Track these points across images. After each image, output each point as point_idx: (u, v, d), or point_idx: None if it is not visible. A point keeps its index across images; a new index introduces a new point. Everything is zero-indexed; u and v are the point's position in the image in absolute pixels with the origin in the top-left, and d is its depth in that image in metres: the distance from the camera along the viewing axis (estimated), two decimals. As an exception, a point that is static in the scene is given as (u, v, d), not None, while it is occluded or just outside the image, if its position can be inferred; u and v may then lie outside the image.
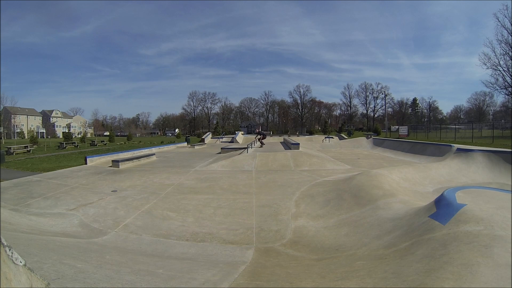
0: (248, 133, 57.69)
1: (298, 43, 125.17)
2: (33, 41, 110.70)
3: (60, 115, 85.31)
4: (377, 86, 78.90)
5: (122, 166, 9.76)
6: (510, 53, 35.35)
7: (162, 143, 29.09)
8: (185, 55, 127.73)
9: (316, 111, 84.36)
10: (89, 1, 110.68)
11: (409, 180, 6.57)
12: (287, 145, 18.46)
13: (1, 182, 7.18)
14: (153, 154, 13.02)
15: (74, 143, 34.36)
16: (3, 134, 46.79)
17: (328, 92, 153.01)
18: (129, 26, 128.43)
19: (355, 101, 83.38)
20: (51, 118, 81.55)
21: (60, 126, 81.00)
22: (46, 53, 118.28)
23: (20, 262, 1.04)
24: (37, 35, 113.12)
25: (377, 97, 79.02)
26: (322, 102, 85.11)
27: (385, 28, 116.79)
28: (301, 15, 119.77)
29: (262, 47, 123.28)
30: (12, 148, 23.84)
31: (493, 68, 37.27)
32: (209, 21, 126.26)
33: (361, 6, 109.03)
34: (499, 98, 66.83)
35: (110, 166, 9.78)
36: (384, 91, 62.99)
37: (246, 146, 14.22)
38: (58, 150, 27.63)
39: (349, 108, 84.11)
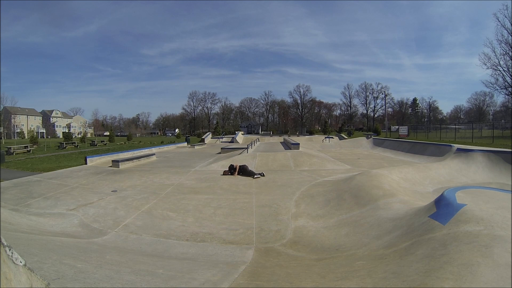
0: (248, 133, 57.81)
1: (301, 44, 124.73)
2: (35, 41, 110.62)
3: (60, 115, 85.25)
4: (377, 86, 78.69)
5: (122, 166, 9.76)
6: (510, 53, 35.28)
7: (162, 143, 29.08)
8: (187, 55, 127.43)
9: (316, 111, 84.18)
10: (92, 1, 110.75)
11: (409, 180, 6.57)
12: (287, 145, 18.47)
13: (1, 182, 7.19)
14: (153, 154, 13.03)
15: (74, 143, 34.32)
16: (3, 134, 46.77)
17: (329, 92, 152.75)
18: (132, 26, 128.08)
19: (355, 101, 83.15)
20: (51, 118, 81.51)
21: (60, 126, 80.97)
22: (48, 53, 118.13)
23: (20, 262, 1.04)
24: (39, 35, 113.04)
25: (377, 97, 78.84)
26: (322, 102, 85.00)
27: (387, 29, 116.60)
28: (304, 15, 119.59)
29: (264, 47, 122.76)
30: (12, 148, 23.81)
31: (493, 68, 37.23)
32: (213, 21, 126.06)
33: (364, 7, 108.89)
34: (499, 98, 66.64)
35: (110, 166, 9.78)
36: (384, 91, 62.72)
37: (246, 146, 14.23)
38: (58, 150, 27.60)
39: (349, 108, 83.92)
